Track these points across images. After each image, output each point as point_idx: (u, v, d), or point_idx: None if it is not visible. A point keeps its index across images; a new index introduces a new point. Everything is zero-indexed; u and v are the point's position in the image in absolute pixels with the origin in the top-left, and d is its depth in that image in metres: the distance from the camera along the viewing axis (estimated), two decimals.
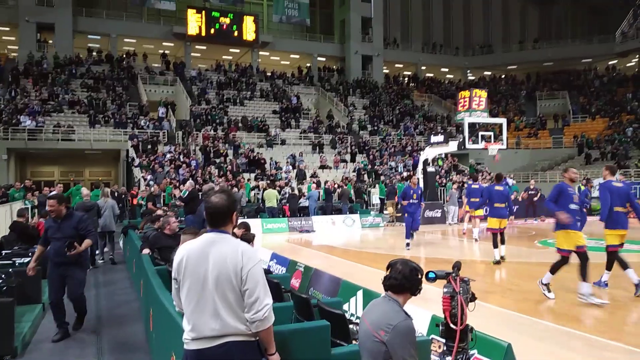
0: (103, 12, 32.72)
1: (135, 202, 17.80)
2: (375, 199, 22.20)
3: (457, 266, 3.10)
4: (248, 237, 6.44)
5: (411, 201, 12.22)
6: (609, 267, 7.24)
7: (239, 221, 7.77)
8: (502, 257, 9.87)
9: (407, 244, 12.12)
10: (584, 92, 38.06)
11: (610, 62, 40.66)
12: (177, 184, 17.83)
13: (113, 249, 11.50)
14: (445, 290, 2.86)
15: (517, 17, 46.44)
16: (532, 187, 20.73)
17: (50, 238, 5.69)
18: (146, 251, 6.80)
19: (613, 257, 7.10)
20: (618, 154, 28.30)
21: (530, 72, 43.25)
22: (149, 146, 23.33)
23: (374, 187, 23.48)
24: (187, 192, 10.20)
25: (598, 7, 44.45)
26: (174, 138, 25.32)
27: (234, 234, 6.58)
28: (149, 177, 19.30)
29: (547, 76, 42.05)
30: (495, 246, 9.76)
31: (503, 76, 43.83)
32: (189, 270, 2.51)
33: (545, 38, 43.55)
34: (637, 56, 38.62)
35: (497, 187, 10.06)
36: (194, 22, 33.21)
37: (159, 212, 10.21)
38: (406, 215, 12.37)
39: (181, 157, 22.35)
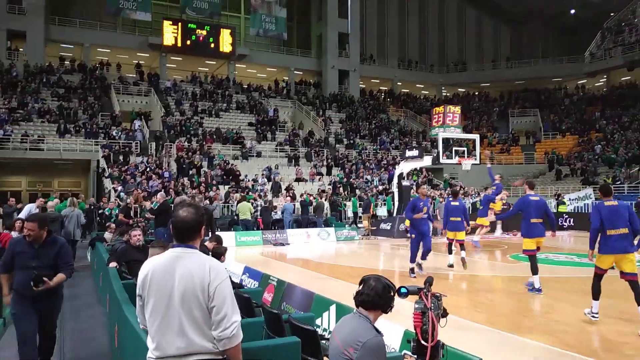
0: (77, 21, 32.24)
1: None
2: (350, 212, 22.16)
3: (429, 282, 3.06)
4: (220, 251, 6.31)
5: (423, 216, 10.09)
6: (534, 271, 8.15)
7: (212, 234, 7.63)
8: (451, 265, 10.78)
9: (412, 270, 9.95)
10: (555, 110, 39.06)
11: (579, 82, 41.90)
12: (147, 196, 17.50)
13: (74, 257, 11.49)
14: (417, 306, 2.80)
15: (490, 36, 47.61)
16: (504, 201, 21.00)
17: (23, 266, 4.48)
18: (113, 264, 6.58)
19: (533, 260, 8.10)
20: (587, 170, 29.01)
21: (502, 90, 44.25)
22: (121, 157, 22.90)
23: (349, 200, 23.48)
24: (158, 204, 9.99)
25: (568, 29, 45.96)
26: (147, 149, 24.93)
27: (205, 247, 6.45)
28: (119, 188, 18.89)
29: (519, 94, 43.05)
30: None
31: (476, 93, 44.70)
32: (154, 286, 2.40)
33: (517, 57, 44.68)
34: (605, 76, 39.90)
35: (454, 203, 10.85)
36: (170, 34, 32.99)
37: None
38: (412, 236, 10.22)
39: (154, 168, 21.99)
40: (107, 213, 16.16)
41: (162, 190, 17.80)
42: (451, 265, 10.64)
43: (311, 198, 20.05)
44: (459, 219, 10.65)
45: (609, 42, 37.56)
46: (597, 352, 5.36)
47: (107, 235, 11.69)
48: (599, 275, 6.41)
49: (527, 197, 8.31)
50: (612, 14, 40.19)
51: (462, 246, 10.67)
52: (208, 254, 6.40)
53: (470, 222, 13.28)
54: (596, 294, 6.37)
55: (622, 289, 6.56)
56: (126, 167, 21.63)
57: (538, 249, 8.26)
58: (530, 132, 37.40)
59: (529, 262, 8.17)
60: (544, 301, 7.66)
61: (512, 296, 8.34)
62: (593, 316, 6.42)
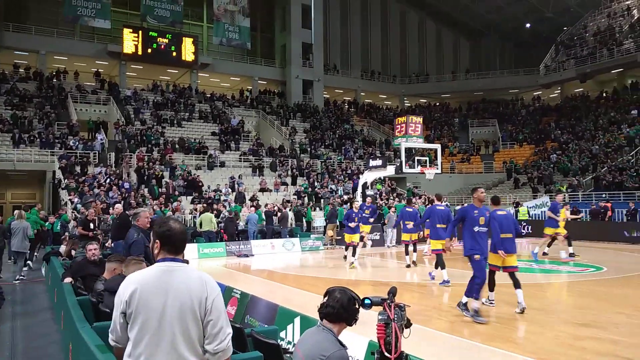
0: (32, 27, 31.19)
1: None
2: (319, 221, 22.10)
3: (392, 292, 3.05)
4: None
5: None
6: (442, 266, 10.04)
7: None
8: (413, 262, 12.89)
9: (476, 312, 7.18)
10: (512, 121, 40.26)
11: (535, 93, 43.39)
12: (106, 207, 16.99)
13: (21, 269, 11.90)
14: (380, 317, 2.78)
15: (450, 48, 48.84)
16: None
17: None
18: (68, 280, 6.31)
19: (440, 258, 10.09)
20: (543, 178, 29.96)
21: (462, 101, 45.36)
22: (78, 167, 22.18)
23: (315, 210, 23.46)
24: (115, 217, 9.72)
25: (523, 42, 47.68)
26: (106, 159, 24.25)
27: None
28: (76, 199, 18.28)
29: (478, 105, 44.22)
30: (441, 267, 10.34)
31: (437, 104, 45.65)
32: (144, 302, 2.28)
33: (476, 69, 45.96)
34: (559, 88, 41.46)
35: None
36: (130, 41, 32.35)
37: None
38: (476, 257, 7.32)
39: (113, 179, 21.39)
40: (59, 225, 15.68)
41: (122, 202, 17.34)
42: (408, 266, 12.66)
43: (275, 208, 19.90)
44: (412, 222, 12.72)
45: (562, 55, 39.08)
46: (558, 358, 5.48)
47: (63, 248, 11.28)
48: (492, 271, 7.60)
49: (434, 207, 10.41)
50: (565, 29, 41.94)
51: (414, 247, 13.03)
52: None
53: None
54: (491, 286, 7.70)
55: (592, 298, 6.75)
56: (84, 178, 20.96)
57: (443, 250, 9.45)
58: (489, 142, 38.41)
59: (437, 259, 10.24)
60: (507, 309, 7.80)
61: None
62: (491, 303, 7.86)
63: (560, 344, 5.92)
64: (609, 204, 21.83)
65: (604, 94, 38.02)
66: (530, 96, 43.75)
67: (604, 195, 24.12)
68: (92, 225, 11.50)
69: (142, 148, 25.62)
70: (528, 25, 44.54)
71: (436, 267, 10.39)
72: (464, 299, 7.25)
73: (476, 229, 7.24)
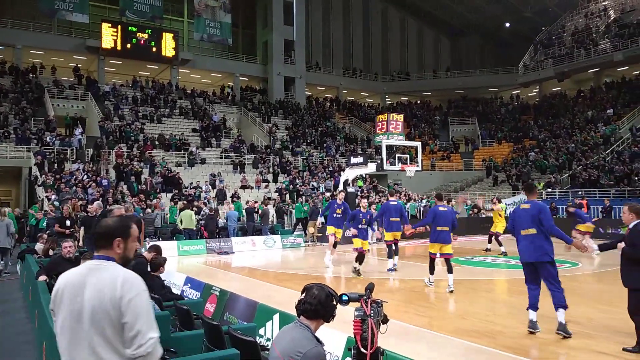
0: (8, 21, 30.49)
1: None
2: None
3: (369, 288, 3.07)
4: (158, 261, 6.11)
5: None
6: (390, 255, 11.40)
7: (151, 243, 7.37)
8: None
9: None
10: (492, 119, 40.77)
11: (514, 92, 44.00)
12: (85, 204, 16.72)
13: (7, 265, 11.95)
14: (357, 313, 2.80)
15: (431, 47, 49.20)
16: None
17: None
18: (42, 278, 6.21)
19: (390, 248, 11.34)
20: (522, 176, 30.42)
21: (443, 99, 45.76)
22: (55, 164, 21.78)
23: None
24: (91, 214, 9.62)
25: (503, 41, 48.29)
26: (84, 156, 23.87)
27: (143, 258, 6.20)
28: (53, 196, 17.94)
29: (458, 103, 44.67)
30: (390, 256, 11.47)
31: (418, 101, 45.96)
32: (65, 300, 2.22)
33: (457, 68, 46.39)
34: (538, 87, 42.11)
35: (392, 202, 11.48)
36: (109, 36, 31.85)
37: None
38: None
39: (91, 175, 21.05)
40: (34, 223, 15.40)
41: (100, 198, 17.09)
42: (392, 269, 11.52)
43: (256, 205, 19.82)
44: (398, 219, 11.57)
45: (541, 54, 39.69)
46: (533, 353, 5.58)
47: (39, 246, 11.10)
48: (432, 259, 9.33)
49: (388, 202, 11.49)
50: (543, 28, 42.61)
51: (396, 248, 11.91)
52: (147, 265, 6.18)
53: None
54: (432, 270, 9.38)
55: (568, 294, 6.85)
56: (61, 174, 20.59)
57: (396, 240, 11.30)
58: (469, 140, 38.83)
59: (388, 250, 11.32)
60: (484, 304, 7.91)
61: (452, 299, 8.56)
62: (430, 283, 9.39)
63: (535, 338, 6.02)
64: (584, 201, 22.24)
65: (581, 93, 38.71)
66: (509, 95, 44.36)
67: (580, 193, 24.58)
68: (68, 222, 11.33)
69: (121, 144, 25.27)
70: (507, 24, 45.13)
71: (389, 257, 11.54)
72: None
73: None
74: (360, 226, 10.97)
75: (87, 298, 2.18)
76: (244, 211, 19.55)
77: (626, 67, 35.79)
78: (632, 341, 5.42)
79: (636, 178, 24.02)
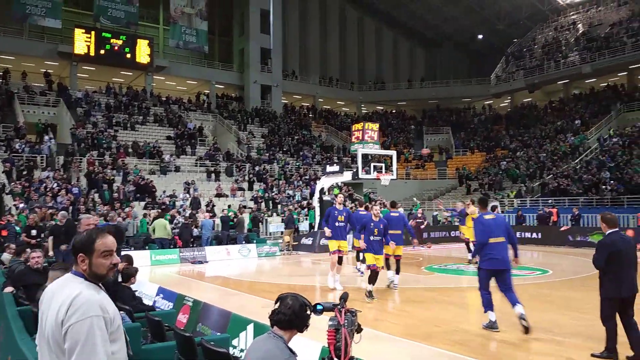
0: None
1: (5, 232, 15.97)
2: (274, 227, 22.00)
3: (344, 297, 3.07)
4: (129, 272, 6.00)
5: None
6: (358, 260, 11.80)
7: (122, 253, 7.24)
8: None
9: None
10: (465, 129, 41.45)
11: (486, 102, 44.84)
12: (55, 213, 16.32)
13: None
14: (330, 323, 2.80)
15: (406, 57, 49.85)
16: (419, 214, 21.90)
17: None
18: (9, 289, 6.03)
19: (339, 261, 10.66)
20: (494, 184, 30.95)
21: (417, 108, 46.35)
22: (25, 171, 21.22)
23: (272, 215, 23.36)
24: (60, 223, 9.37)
25: (476, 53, 49.32)
26: (54, 163, 23.33)
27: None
28: (22, 205, 17.47)
29: (432, 112, 45.29)
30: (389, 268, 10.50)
31: (394, 111, 46.44)
32: (41, 311, 2.17)
33: (431, 78, 47.08)
34: (509, 97, 43.01)
35: (393, 214, 10.51)
36: (82, 42, 31.28)
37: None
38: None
39: (61, 183, 20.58)
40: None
41: (70, 207, 16.74)
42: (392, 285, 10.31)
43: (231, 214, 19.68)
44: (399, 231, 10.21)
45: (512, 66, 40.62)
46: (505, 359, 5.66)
47: (5, 256, 10.77)
48: (386, 258, 9.98)
49: (389, 214, 10.27)
50: (515, 40, 43.66)
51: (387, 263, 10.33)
52: (117, 275, 6.06)
53: None
54: (387, 266, 10.14)
55: (538, 301, 6.99)
56: (30, 182, 20.08)
57: (397, 257, 10.20)
58: (443, 149, 39.37)
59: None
60: (457, 311, 7.99)
61: (426, 307, 8.63)
62: (394, 285, 10.15)
63: (507, 346, 6.11)
64: (554, 210, 22.77)
65: (552, 104, 39.71)
66: (482, 105, 45.20)
67: (550, 201, 25.15)
68: (34, 232, 11.00)
69: (92, 152, 24.80)
70: (480, 36, 46.09)
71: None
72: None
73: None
74: (372, 238, 9.06)
75: (49, 314, 2.10)
76: (218, 220, 19.38)
77: (594, 79, 36.89)
78: (600, 347, 5.55)
79: (604, 187, 24.69)
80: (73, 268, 2.22)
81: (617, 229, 5.57)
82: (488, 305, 6.75)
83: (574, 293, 9.82)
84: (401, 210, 14.84)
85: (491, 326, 6.67)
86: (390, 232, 9.52)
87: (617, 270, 5.33)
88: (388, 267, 10.22)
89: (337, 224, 10.29)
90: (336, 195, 11.28)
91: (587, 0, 41.11)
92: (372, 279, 8.97)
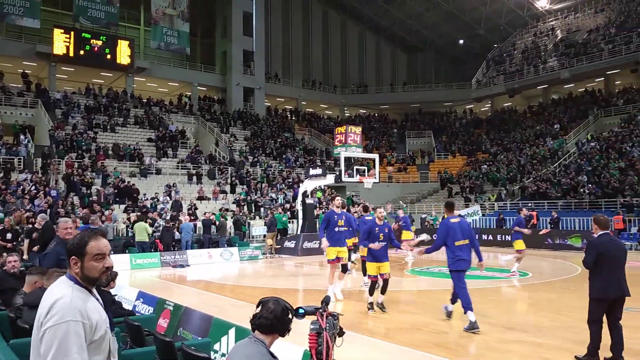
0: None
1: None
2: (256, 230, 21.89)
3: (325, 301, 3.07)
4: (109, 276, 5.88)
5: None
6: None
7: None
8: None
9: None
10: (446, 132, 41.86)
11: (467, 106, 45.36)
12: (32, 216, 16.00)
13: None
14: (312, 327, 2.79)
15: (388, 61, 50.19)
16: (401, 216, 21.98)
17: None
18: None
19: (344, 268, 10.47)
20: (475, 188, 31.29)
21: (400, 112, 46.67)
22: (1, 174, 20.76)
23: (254, 218, 23.25)
24: (39, 227, 9.19)
25: (457, 58, 49.89)
26: (32, 165, 22.89)
27: None
28: None
29: (414, 116, 45.64)
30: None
31: (376, 114, 46.67)
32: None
33: (413, 82, 47.48)
34: (490, 102, 43.60)
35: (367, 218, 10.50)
36: (61, 42, 30.77)
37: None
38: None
39: (39, 186, 20.18)
40: None
41: (49, 210, 16.43)
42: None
43: (213, 217, 19.52)
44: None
45: (492, 71, 41.19)
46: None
47: None
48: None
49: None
50: (495, 46, 44.31)
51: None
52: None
53: None
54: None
55: (518, 303, 7.05)
56: (7, 185, 19.65)
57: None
58: (425, 152, 39.69)
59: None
60: (439, 314, 8.03)
61: (408, 310, 8.66)
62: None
63: (488, 348, 6.16)
64: (534, 213, 23.08)
65: (531, 108, 40.33)
66: (463, 109, 45.71)
67: (529, 204, 25.50)
68: (9, 236, 10.76)
69: (71, 154, 24.40)
70: (461, 41, 46.64)
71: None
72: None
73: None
74: (377, 244, 8.20)
75: (37, 315, 2.09)
76: (200, 223, 19.22)
77: (572, 85, 37.63)
78: (579, 348, 5.61)
79: (582, 190, 25.13)
80: (67, 271, 2.21)
81: (607, 231, 5.66)
82: (468, 305, 6.90)
83: (553, 295, 9.95)
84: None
85: (472, 327, 6.74)
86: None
87: (606, 271, 5.38)
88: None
89: (337, 229, 9.25)
90: (333, 199, 9.68)
91: (565, 6, 41.95)
92: (372, 289, 8.30)
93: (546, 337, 6.57)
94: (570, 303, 8.62)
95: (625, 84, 35.61)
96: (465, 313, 6.92)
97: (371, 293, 8.28)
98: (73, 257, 2.16)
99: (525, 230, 12.77)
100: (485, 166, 33.52)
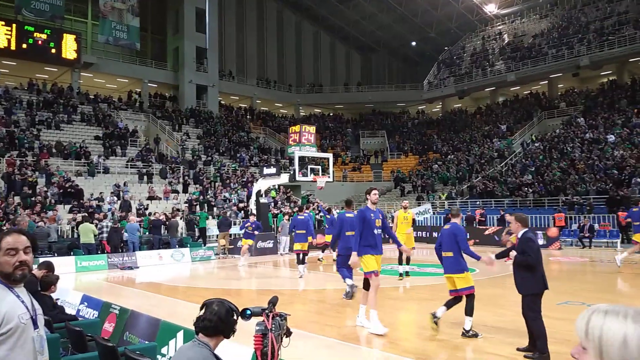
0: None
1: None
2: (211, 230, 21.53)
3: (272, 302, 3.04)
4: (49, 279, 5.67)
5: None
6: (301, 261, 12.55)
7: (41, 260, 6.81)
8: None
9: None
10: (399, 132, 42.61)
11: (419, 107, 46.35)
12: None
13: None
14: (257, 328, 2.77)
15: (343, 61, 50.57)
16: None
17: None
18: None
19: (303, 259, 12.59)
20: (426, 186, 32.00)
21: (354, 112, 47.13)
22: None
23: (208, 218, 22.85)
24: None
25: (410, 59, 50.88)
26: None
27: (32, 275, 5.71)
28: None
29: (368, 116, 46.23)
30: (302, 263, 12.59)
31: (331, 114, 46.93)
32: None
33: (367, 82, 48.06)
34: (441, 103, 44.72)
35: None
36: (2, 35, 29.23)
37: None
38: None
39: None
40: None
41: None
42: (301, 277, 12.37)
43: (162, 217, 19.04)
44: (304, 231, 12.66)
45: (443, 72, 42.25)
46: (433, 357, 5.83)
47: None
48: (297, 254, 12.72)
49: (344, 214, 9.41)
50: (446, 48, 45.44)
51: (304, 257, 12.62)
52: (37, 283, 5.69)
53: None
54: (300, 262, 12.51)
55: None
56: None
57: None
58: (378, 152, 40.26)
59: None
60: (391, 312, 8.15)
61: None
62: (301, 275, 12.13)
63: (436, 344, 6.31)
64: (482, 210, 23.84)
65: (480, 110, 41.63)
66: (415, 110, 46.65)
67: (478, 203, 26.31)
68: None
69: (12, 152, 23.23)
70: (413, 43, 47.59)
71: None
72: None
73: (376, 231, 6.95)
74: (375, 232, 7.00)
75: None
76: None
77: (518, 87, 39.13)
78: (523, 341, 5.83)
79: (526, 189, 26.15)
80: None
81: (528, 229, 5.89)
82: (346, 275, 8.84)
83: (498, 290, 10.30)
84: (336, 213, 15.09)
85: (349, 295, 8.56)
86: (298, 231, 12.82)
87: (541, 265, 5.63)
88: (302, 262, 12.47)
89: (375, 231, 6.98)
90: (368, 193, 7.18)
91: (512, 11, 43.54)
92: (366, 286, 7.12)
93: (490, 331, 6.79)
94: (514, 298, 8.92)
95: (567, 87, 37.38)
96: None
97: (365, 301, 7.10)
98: None
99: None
100: (436, 165, 34.33)
